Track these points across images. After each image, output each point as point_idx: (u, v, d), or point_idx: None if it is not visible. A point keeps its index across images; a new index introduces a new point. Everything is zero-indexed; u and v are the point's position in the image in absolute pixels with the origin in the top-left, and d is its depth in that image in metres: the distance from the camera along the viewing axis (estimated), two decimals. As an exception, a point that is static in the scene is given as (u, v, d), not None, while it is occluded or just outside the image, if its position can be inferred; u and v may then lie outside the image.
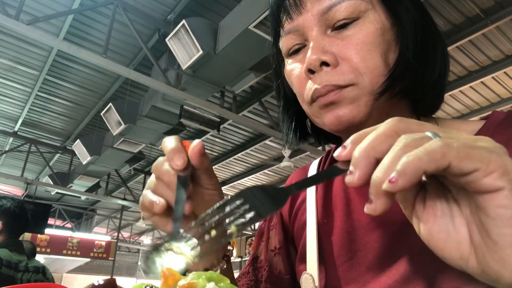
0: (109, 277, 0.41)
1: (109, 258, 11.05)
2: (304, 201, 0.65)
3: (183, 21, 3.91)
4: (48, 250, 9.93)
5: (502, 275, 0.28)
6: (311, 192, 0.64)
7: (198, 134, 7.19)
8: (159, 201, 0.47)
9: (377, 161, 0.30)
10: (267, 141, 7.16)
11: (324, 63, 0.50)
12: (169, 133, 5.86)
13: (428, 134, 0.30)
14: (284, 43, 0.56)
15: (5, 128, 7.42)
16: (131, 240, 14.93)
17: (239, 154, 7.79)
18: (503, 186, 0.27)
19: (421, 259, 0.46)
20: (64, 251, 10.27)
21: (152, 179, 0.50)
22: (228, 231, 0.36)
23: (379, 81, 0.49)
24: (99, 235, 12.17)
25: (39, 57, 5.39)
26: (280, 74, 0.61)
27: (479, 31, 4.32)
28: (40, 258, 8.29)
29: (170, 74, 4.63)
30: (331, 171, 0.35)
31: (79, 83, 5.95)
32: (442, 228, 0.31)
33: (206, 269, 0.51)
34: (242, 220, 0.36)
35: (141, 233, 15.29)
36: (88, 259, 11.24)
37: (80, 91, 6.14)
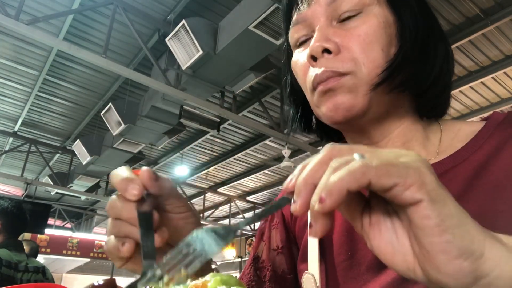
0: (109, 277, 0.41)
1: (109, 258, 11.02)
2: None
3: (183, 21, 3.91)
4: (48, 250, 9.93)
5: (440, 281, 0.30)
6: None
7: (198, 134, 7.20)
8: (123, 242, 0.44)
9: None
10: (267, 141, 7.16)
11: (327, 51, 0.52)
12: (169, 133, 5.86)
13: (355, 156, 0.32)
14: (292, 34, 0.58)
15: (5, 128, 7.42)
16: (131, 240, 14.90)
17: (239, 154, 7.79)
18: (422, 198, 0.29)
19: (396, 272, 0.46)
20: (64, 251, 10.27)
21: (110, 222, 0.46)
22: (179, 276, 0.38)
23: (378, 72, 0.50)
24: (99, 235, 12.16)
25: (39, 57, 5.39)
26: (290, 67, 0.63)
27: (479, 31, 4.32)
28: (40, 258, 8.28)
29: (170, 74, 4.63)
30: (279, 202, 0.38)
31: (79, 83, 5.95)
32: (388, 242, 0.33)
33: None
34: (190, 263, 0.37)
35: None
36: (88, 259, 11.24)
37: (80, 91, 6.14)
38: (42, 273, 2.56)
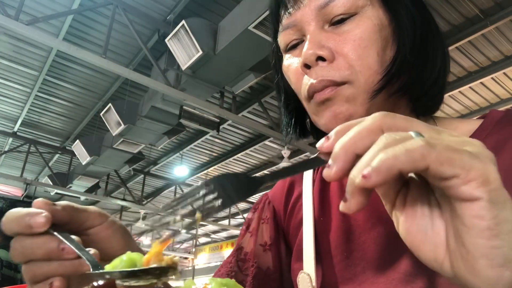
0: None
1: None
2: (300, 196, 0.63)
3: (183, 22, 3.91)
4: (48, 250, 9.91)
5: (472, 283, 0.28)
6: (307, 188, 0.63)
7: (198, 134, 7.19)
8: (50, 283, 0.38)
9: (358, 157, 0.29)
10: (266, 142, 7.16)
11: (321, 58, 0.50)
12: (169, 133, 5.86)
13: (412, 133, 0.28)
14: (282, 39, 0.56)
15: (5, 129, 7.42)
16: (130, 240, 14.87)
17: (238, 155, 7.79)
18: (481, 197, 0.26)
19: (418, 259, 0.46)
20: (64, 252, 10.25)
21: (24, 269, 0.39)
22: (193, 218, 0.34)
23: (375, 79, 0.49)
24: (99, 236, 12.13)
25: (39, 57, 5.39)
26: (280, 70, 0.61)
27: (479, 31, 4.32)
28: (39, 258, 8.25)
29: (169, 75, 4.63)
30: (311, 161, 0.34)
31: (79, 83, 5.95)
32: (420, 229, 0.31)
33: None
34: (208, 206, 0.34)
35: (141, 233, 15.28)
36: (88, 260, 11.19)
37: (79, 91, 6.14)
38: (41, 273, 2.55)
